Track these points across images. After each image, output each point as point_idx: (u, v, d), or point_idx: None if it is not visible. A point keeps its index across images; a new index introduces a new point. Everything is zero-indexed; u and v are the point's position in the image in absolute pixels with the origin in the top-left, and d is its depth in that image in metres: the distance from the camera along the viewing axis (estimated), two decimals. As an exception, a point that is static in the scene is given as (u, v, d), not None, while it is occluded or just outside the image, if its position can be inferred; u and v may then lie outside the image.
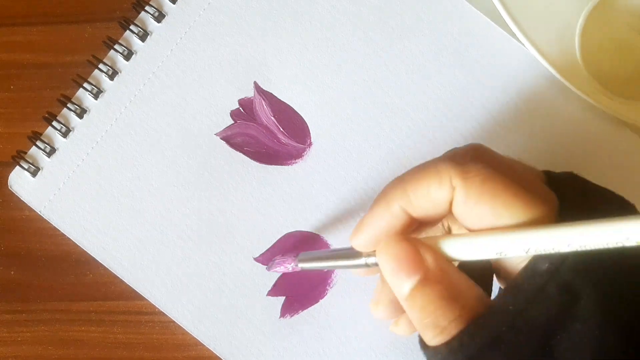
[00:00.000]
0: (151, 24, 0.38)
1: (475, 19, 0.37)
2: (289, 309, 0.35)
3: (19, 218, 0.37)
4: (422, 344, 0.25)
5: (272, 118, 0.37)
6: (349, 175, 0.36)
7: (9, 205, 0.37)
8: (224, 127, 0.37)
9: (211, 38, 0.37)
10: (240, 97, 0.37)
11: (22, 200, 0.37)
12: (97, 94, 0.37)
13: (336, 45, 0.37)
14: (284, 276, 0.35)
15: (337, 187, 0.36)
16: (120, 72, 0.37)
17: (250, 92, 0.37)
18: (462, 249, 0.24)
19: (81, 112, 0.37)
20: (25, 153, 0.37)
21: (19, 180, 0.37)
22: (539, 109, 0.36)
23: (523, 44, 0.35)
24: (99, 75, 0.37)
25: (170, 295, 0.35)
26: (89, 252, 0.36)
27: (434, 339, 0.23)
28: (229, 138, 0.37)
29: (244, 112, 0.37)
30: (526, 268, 0.23)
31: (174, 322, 0.35)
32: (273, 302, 0.35)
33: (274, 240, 0.36)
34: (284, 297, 0.35)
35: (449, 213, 0.25)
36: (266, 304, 0.35)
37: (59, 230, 0.36)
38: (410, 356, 0.27)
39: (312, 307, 0.35)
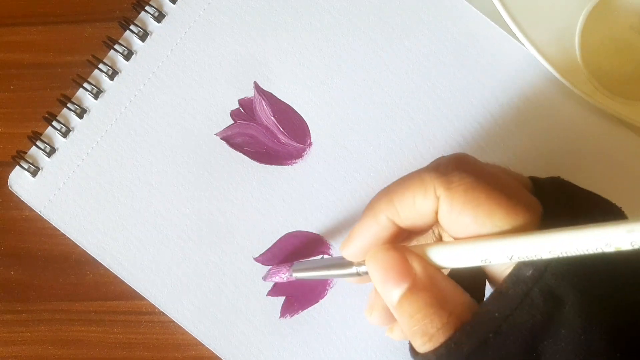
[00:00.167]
0: (151, 24, 0.38)
1: (475, 19, 0.37)
2: (289, 309, 0.35)
3: (19, 218, 0.37)
4: (412, 351, 0.25)
5: (272, 118, 0.37)
6: (349, 175, 0.36)
7: (9, 205, 0.37)
8: (224, 127, 0.37)
9: (211, 38, 0.37)
10: (240, 97, 0.37)
11: (22, 200, 0.37)
12: (97, 94, 0.37)
13: (336, 45, 0.37)
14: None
15: (337, 187, 0.36)
16: (120, 72, 0.37)
17: (250, 92, 0.37)
18: (448, 256, 0.25)
19: (81, 112, 0.37)
20: (25, 153, 0.37)
21: (19, 180, 0.37)
22: (539, 109, 0.36)
23: (523, 44, 0.35)
24: (99, 75, 0.37)
25: (170, 295, 0.35)
26: (89, 252, 0.36)
27: (423, 346, 0.24)
28: (229, 138, 0.37)
29: (244, 112, 0.37)
30: (511, 275, 0.23)
31: (174, 322, 0.35)
32: (273, 302, 0.35)
33: (274, 240, 0.36)
34: (284, 297, 0.35)
35: (435, 222, 0.25)
36: (266, 304, 0.35)
37: (59, 230, 0.36)
38: (410, 356, 0.27)
39: (312, 307, 0.35)
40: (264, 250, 0.36)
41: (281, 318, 0.35)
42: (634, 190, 0.35)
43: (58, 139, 0.37)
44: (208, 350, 0.35)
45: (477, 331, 0.23)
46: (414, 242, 0.29)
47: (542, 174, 0.27)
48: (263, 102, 0.37)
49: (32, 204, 0.37)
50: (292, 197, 0.36)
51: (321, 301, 0.35)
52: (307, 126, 0.37)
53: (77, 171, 0.37)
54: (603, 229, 0.21)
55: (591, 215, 0.22)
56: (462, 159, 0.25)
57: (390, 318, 0.27)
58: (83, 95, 0.37)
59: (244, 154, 0.37)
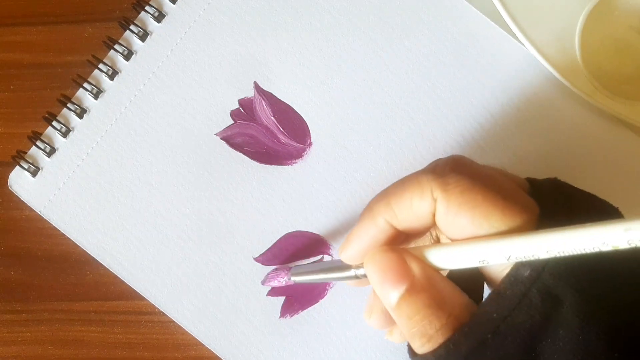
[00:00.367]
0: (151, 24, 0.38)
1: (475, 19, 0.37)
2: (289, 309, 0.35)
3: (19, 218, 0.37)
4: (411, 352, 0.25)
5: (272, 118, 0.37)
6: (349, 175, 0.36)
7: (9, 205, 0.37)
8: (224, 127, 0.37)
9: (211, 38, 0.37)
10: (240, 97, 0.37)
11: (22, 200, 0.37)
12: (97, 94, 0.37)
13: (336, 45, 0.37)
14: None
15: (337, 187, 0.36)
16: (120, 72, 0.37)
17: (250, 92, 0.37)
18: (446, 258, 0.25)
19: (81, 112, 0.37)
20: (25, 153, 0.37)
21: (19, 180, 0.37)
22: (538, 109, 0.36)
23: (523, 44, 0.35)
24: (99, 75, 0.37)
25: (170, 295, 0.35)
26: (89, 252, 0.36)
27: (422, 347, 0.24)
28: (229, 138, 0.37)
29: (244, 112, 0.37)
30: (509, 275, 0.23)
31: (174, 322, 0.35)
32: (273, 302, 0.35)
33: (274, 240, 0.36)
34: (284, 297, 0.35)
35: (433, 224, 0.25)
36: (266, 304, 0.35)
37: (59, 230, 0.36)
38: (409, 358, 0.27)
39: (312, 307, 0.35)
40: (264, 250, 0.36)
41: (281, 318, 0.35)
42: (633, 190, 0.35)
43: (58, 139, 0.37)
44: (208, 350, 0.35)
45: (476, 332, 0.23)
46: (412, 245, 0.29)
47: (541, 174, 0.27)
48: (263, 102, 0.37)
49: (32, 204, 0.37)
50: (292, 197, 0.36)
51: (321, 301, 0.35)
52: (307, 126, 0.37)
53: (77, 171, 0.37)
54: (600, 227, 0.21)
55: (588, 216, 0.22)
56: (459, 161, 0.25)
57: (389, 321, 0.27)
58: (83, 95, 0.37)
59: (244, 154, 0.37)
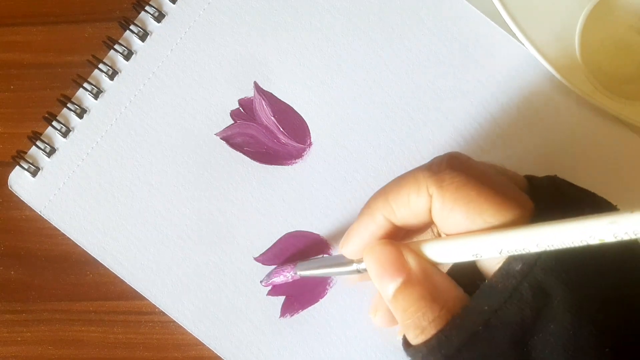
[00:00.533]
0: (151, 24, 0.38)
1: (475, 19, 0.37)
2: (289, 308, 0.35)
3: (19, 218, 0.37)
4: (405, 343, 0.26)
5: (272, 118, 0.37)
6: (349, 175, 0.36)
7: (9, 205, 0.37)
8: (224, 127, 0.37)
9: (211, 38, 0.37)
10: (240, 97, 0.37)
11: (22, 200, 0.37)
12: (97, 94, 0.37)
13: (336, 45, 0.37)
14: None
15: (337, 187, 0.36)
16: (120, 72, 0.37)
17: (250, 92, 0.37)
18: (441, 252, 0.25)
19: (81, 112, 0.37)
20: (25, 153, 0.37)
21: (19, 180, 0.37)
22: (538, 108, 0.36)
23: (523, 44, 0.35)
24: (99, 75, 0.37)
25: (171, 295, 0.35)
26: (89, 252, 0.36)
27: (416, 339, 0.25)
28: (229, 138, 0.37)
29: (244, 112, 0.37)
30: (501, 269, 0.24)
31: (174, 322, 0.35)
32: (273, 302, 0.35)
33: (274, 240, 0.36)
34: (284, 297, 0.35)
35: (430, 220, 0.26)
36: (266, 304, 0.35)
37: (59, 230, 0.36)
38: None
39: (312, 307, 0.35)
40: (264, 250, 0.36)
41: (281, 318, 0.35)
42: (633, 190, 0.35)
43: (58, 139, 0.37)
44: (208, 350, 0.35)
45: (467, 324, 0.23)
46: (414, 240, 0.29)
47: (541, 173, 0.28)
48: (263, 102, 0.37)
49: (32, 204, 0.37)
50: (292, 197, 0.36)
51: (321, 301, 0.35)
52: (307, 126, 0.37)
53: (77, 171, 0.37)
54: (586, 221, 0.21)
55: (582, 212, 0.22)
56: (455, 157, 0.26)
57: (393, 319, 0.28)
58: (83, 95, 0.37)
59: (244, 154, 0.37)
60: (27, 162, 0.37)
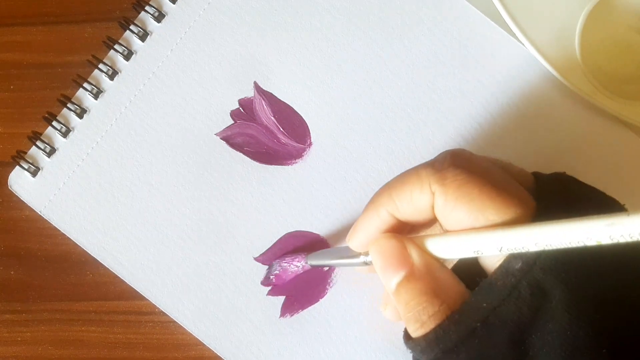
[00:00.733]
0: (151, 24, 0.38)
1: (475, 19, 0.37)
2: (289, 308, 0.35)
3: (19, 218, 0.37)
4: (406, 336, 0.26)
5: (272, 118, 0.37)
6: (349, 175, 0.36)
7: (9, 205, 0.37)
8: (224, 127, 0.37)
9: (211, 38, 0.37)
10: (240, 97, 0.37)
11: (22, 200, 0.37)
12: (97, 94, 0.37)
13: (336, 45, 0.37)
14: (283, 276, 0.35)
15: (337, 187, 0.36)
16: (120, 72, 0.37)
17: (250, 92, 0.37)
18: (443, 247, 0.26)
19: (81, 112, 0.37)
20: (25, 153, 0.37)
21: (19, 180, 0.37)
22: (538, 109, 0.36)
23: (523, 44, 0.35)
24: (99, 75, 0.37)
25: (171, 295, 0.35)
26: (89, 252, 0.36)
27: (416, 332, 0.25)
28: (229, 138, 0.37)
29: (244, 112, 0.37)
30: (501, 266, 0.24)
31: (174, 322, 0.35)
32: (273, 302, 0.35)
33: (274, 240, 0.36)
34: (284, 297, 0.35)
35: (433, 216, 0.26)
36: (266, 304, 0.35)
37: (59, 230, 0.36)
38: (410, 356, 0.27)
39: (312, 306, 0.35)
40: (264, 250, 0.36)
41: (281, 317, 0.35)
42: (634, 190, 0.35)
43: (58, 139, 0.37)
44: (209, 350, 0.35)
45: (465, 320, 0.24)
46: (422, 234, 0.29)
47: (540, 171, 0.28)
48: (263, 102, 0.37)
49: (32, 204, 0.37)
50: (292, 197, 0.36)
51: (321, 301, 0.35)
52: (307, 126, 0.37)
53: (77, 171, 0.37)
54: (584, 222, 0.21)
55: (587, 211, 0.22)
56: (458, 154, 0.26)
57: None
58: (83, 95, 0.37)
59: (244, 154, 0.37)
60: (27, 162, 0.37)
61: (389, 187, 0.27)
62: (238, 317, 0.35)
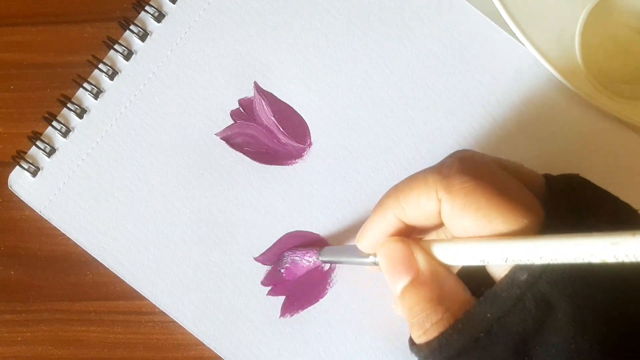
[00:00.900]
0: (151, 24, 0.38)
1: (475, 19, 0.37)
2: (289, 308, 0.35)
3: (19, 218, 0.37)
4: (410, 341, 0.26)
5: (272, 118, 0.37)
6: (349, 175, 0.36)
7: (9, 205, 0.37)
8: (224, 127, 0.37)
9: (211, 38, 0.37)
10: (240, 97, 0.37)
11: (22, 200, 0.37)
12: (97, 94, 0.37)
13: (336, 45, 0.37)
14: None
15: (337, 187, 0.36)
16: (120, 72, 0.37)
17: (250, 92, 0.37)
18: (450, 254, 0.25)
19: (81, 112, 0.37)
20: (25, 153, 0.37)
21: (19, 180, 0.37)
22: (539, 109, 0.36)
23: (523, 44, 0.35)
24: (99, 75, 0.37)
25: (171, 295, 0.35)
26: (89, 252, 0.36)
27: (419, 338, 0.25)
28: (229, 138, 0.37)
29: (244, 112, 0.37)
30: (506, 277, 0.23)
31: (174, 322, 0.35)
32: (273, 302, 0.35)
33: (274, 240, 0.36)
34: (284, 297, 0.35)
35: (441, 222, 0.26)
36: (266, 304, 0.35)
37: (59, 230, 0.36)
38: (410, 356, 0.27)
39: (312, 306, 0.35)
40: (264, 250, 0.36)
41: (281, 317, 0.35)
42: (634, 191, 0.35)
43: (58, 139, 0.37)
44: (208, 350, 0.35)
45: (469, 329, 0.23)
46: (433, 236, 0.29)
47: (541, 172, 0.28)
48: (263, 102, 0.37)
49: (32, 204, 0.37)
50: (292, 197, 0.36)
51: (321, 301, 0.35)
52: (307, 126, 0.37)
53: (77, 171, 0.37)
54: (589, 239, 0.21)
55: (598, 220, 0.22)
56: (467, 159, 0.25)
57: None
58: (83, 95, 0.37)
59: (244, 154, 0.37)
60: (27, 162, 0.37)
61: (396, 191, 0.26)
62: (238, 317, 0.35)
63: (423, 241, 0.26)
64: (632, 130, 0.35)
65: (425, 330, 0.24)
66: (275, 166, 0.36)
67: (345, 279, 0.35)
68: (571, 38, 0.35)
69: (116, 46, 0.37)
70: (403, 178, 0.26)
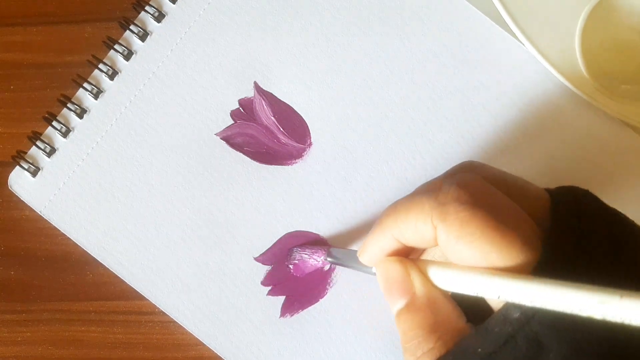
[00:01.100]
0: (151, 24, 0.38)
1: (475, 19, 0.37)
2: (289, 308, 0.35)
3: (19, 218, 0.37)
4: None
5: (272, 118, 0.37)
6: (349, 175, 0.36)
7: (9, 205, 0.37)
8: (224, 127, 0.37)
9: (211, 38, 0.37)
10: (240, 97, 0.37)
11: (22, 200, 0.37)
12: (97, 94, 0.37)
13: (336, 45, 0.37)
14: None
15: (337, 187, 0.36)
16: (120, 72, 0.37)
17: (250, 92, 0.37)
18: (444, 279, 0.25)
19: (81, 112, 0.37)
20: (25, 153, 0.37)
21: (19, 180, 0.37)
22: (538, 109, 0.36)
23: (523, 44, 0.35)
24: (99, 75, 0.37)
25: (171, 295, 0.35)
26: (89, 252, 0.36)
27: None
28: (229, 138, 0.37)
29: (244, 112, 0.37)
30: (499, 312, 0.23)
31: (174, 322, 0.35)
32: (273, 302, 0.35)
33: (274, 240, 0.36)
34: (284, 297, 0.35)
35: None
36: (266, 304, 0.35)
37: (59, 230, 0.36)
38: None
39: (312, 306, 0.35)
40: (264, 250, 0.36)
41: (281, 317, 0.35)
42: (633, 191, 0.35)
43: (58, 139, 0.37)
44: (208, 350, 0.35)
45: None
46: (437, 252, 0.29)
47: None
48: (263, 102, 0.37)
49: (32, 204, 0.37)
50: (292, 197, 0.36)
51: (321, 301, 0.35)
52: (307, 126, 0.37)
53: (77, 171, 0.37)
54: (577, 292, 0.21)
55: (600, 250, 0.22)
56: (465, 185, 0.24)
57: None
58: (83, 95, 0.37)
59: (244, 154, 0.37)
60: (27, 162, 0.37)
61: (395, 211, 0.26)
62: (238, 317, 0.35)
63: (421, 262, 0.26)
64: (633, 131, 0.35)
65: (417, 357, 0.24)
66: (275, 166, 0.36)
67: (345, 279, 0.35)
68: (571, 38, 0.35)
69: (116, 46, 0.37)
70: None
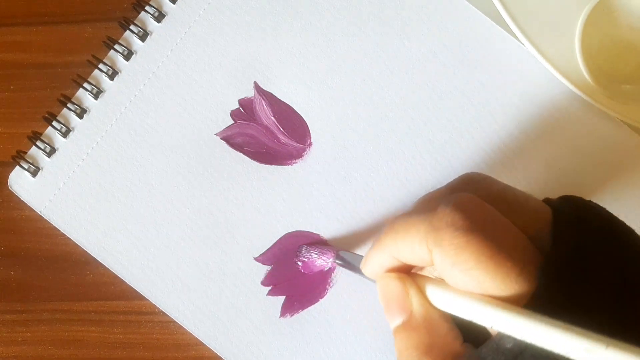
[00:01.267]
0: (151, 24, 0.38)
1: (475, 19, 0.37)
2: (289, 308, 0.35)
3: (19, 218, 0.37)
4: None
5: (272, 118, 0.37)
6: (349, 175, 0.36)
7: (9, 205, 0.37)
8: (224, 127, 0.37)
9: (211, 38, 0.37)
10: (240, 97, 0.37)
11: (22, 200, 0.37)
12: (97, 94, 0.37)
13: (336, 45, 0.37)
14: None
15: (337, 187, 0.36)
16: (120, 72, 0.37)
17: (250, 92, 0.37)
18: (441, 299, 0.25)
19: (81, 112, 0.37)
20: (25, 153, 0.37)
21: (19, 180, 0.37)
22: (538, 109, 0.36)
23: (523, 44, 0.35)
24: (99, 75, 0.37)
25: (170, 295, 0.35)
26: (89, 252, 0.36)
27: None
28: (229, 138, 0.37)
29: (244, 112, 0.37)
30: (492, 341, 0.23)
31: (174, 322, 0.35)
32: (273, 302, 0.35)
33: (274, 240, 0.36)
34: (284, 297, 0.35)
35: None
36: (266, 304, 0.35)
37: (59, 230, 0.36)
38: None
39: (312, 306, 0.35)
40: (264, 250, 0.36)
41: (281, 317, 0.35)
42: (633, 191, 0.35)
43: (58, 139, 0.37)
44: (208, 350, 0.35)
45: None
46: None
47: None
48: (263, 102, 0.37)
49: (32, 204, 0.37)
50: (292, 197, 0.36)
51: (321, 301, 0.35)
52: (307, 126, 0.37)
53: (77, 171, 0.37)
54: (565, 335, 0.21)
55: (598, 277, 0.22)
56: (462, 208, 0.24)
57: None
58: (83, 95, 0.37)
59: (244, 154, 0.37)
60: (27, 162, 0.37)
61: (394, 231, 0.26)
62: (238, 317, 0.35)
63: (420, 278, 0.26)
64: (633, 131, 0.35)
65: None
66: (275, 166, 0.36)
67: (345, 279, 0.35)
68: (571, 38, 0.35)
69: (116, 46, 0.37)
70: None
